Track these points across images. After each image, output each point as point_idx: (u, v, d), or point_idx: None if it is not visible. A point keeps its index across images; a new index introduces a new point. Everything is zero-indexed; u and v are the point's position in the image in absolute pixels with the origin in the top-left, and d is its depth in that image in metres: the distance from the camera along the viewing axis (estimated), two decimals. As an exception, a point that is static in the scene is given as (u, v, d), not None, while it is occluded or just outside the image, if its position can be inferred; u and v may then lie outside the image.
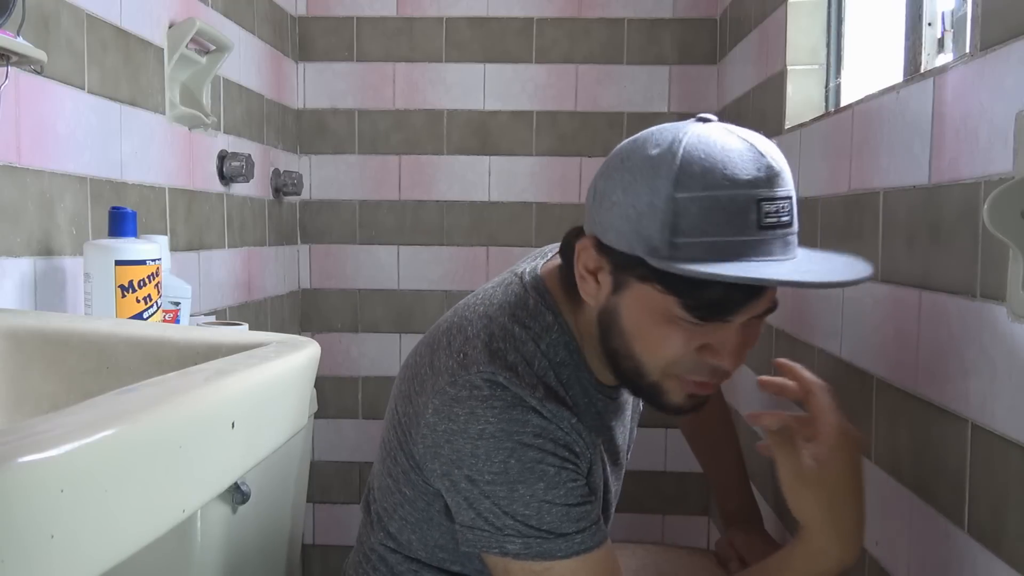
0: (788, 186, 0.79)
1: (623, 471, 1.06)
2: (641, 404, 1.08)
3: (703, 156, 0.77)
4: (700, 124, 0.81)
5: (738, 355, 0.82)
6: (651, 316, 0.81)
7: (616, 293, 0.84)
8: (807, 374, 0.86)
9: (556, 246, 0.97)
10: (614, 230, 0.81)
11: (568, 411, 0.88)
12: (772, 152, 0.79)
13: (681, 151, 0.77)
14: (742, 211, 0.75)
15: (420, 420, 0.90)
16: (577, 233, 0.89)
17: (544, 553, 0.84)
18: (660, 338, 0.81)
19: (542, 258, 0.99)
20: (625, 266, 0.81)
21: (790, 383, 0.88)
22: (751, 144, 0.78)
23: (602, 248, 0.83)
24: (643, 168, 0.79)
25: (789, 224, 0.79)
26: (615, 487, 1.03)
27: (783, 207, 0.78)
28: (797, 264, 0.79)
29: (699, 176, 0.76)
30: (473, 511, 0.86)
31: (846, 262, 0.82)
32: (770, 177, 0.77)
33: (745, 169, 0.76)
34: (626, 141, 0.85)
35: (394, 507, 0.97)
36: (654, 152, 0.79)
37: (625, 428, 1.03)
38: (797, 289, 1.28)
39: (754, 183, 0.76)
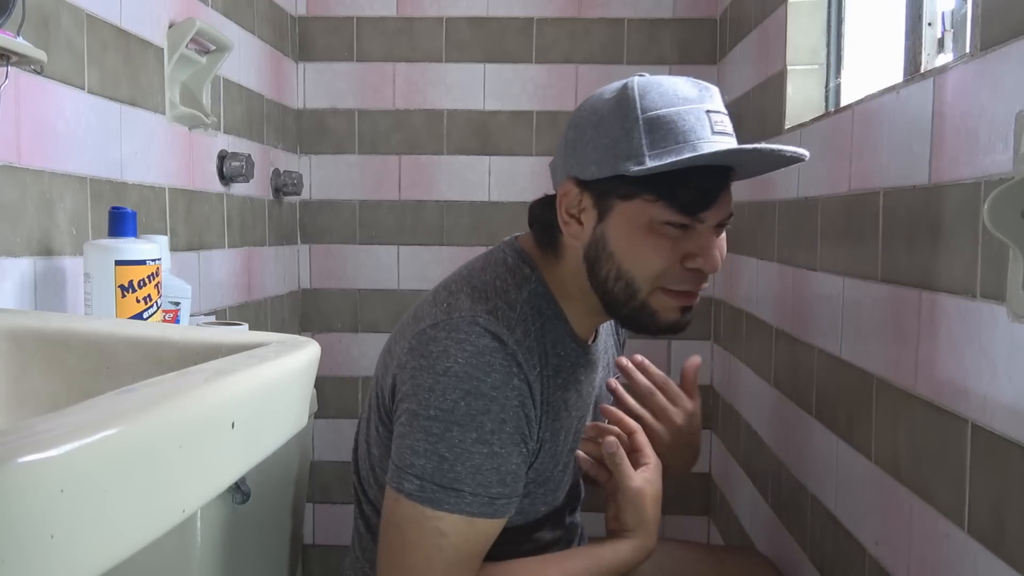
0: (722, 103, 0.93)
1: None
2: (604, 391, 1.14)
3: (654, 86, 0.91)
4: (637, 76, 0.94)
5: (716, 257, 0.92)
6: (638, 230, 0.91)
7: (602, 221, 0.93)
8: (628, 420, 1.06)
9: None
10: (593, 163, 0.92)
11: (538, 364, 0.94)
12: (700, 80, 0.94)
13: (635, 87, 0.91)
14: (699, 120, 0.89)
15: (395, 362, 0.95)
16: (540, 203, 1.00)
17: (433, 501, 0.88)
18: (649, 249, 0.91)
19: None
20: (608, 191, 0.92)
21: (616, 430, 1.06)
22: (684, 77, 0.94)
23: (582, 184, 0.93)
24: (607, 107, 0.92)
25: (732, 134, 0.92)
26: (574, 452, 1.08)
27: (725, 119, 0.92)
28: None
29: (657, 98, 0.90)
30: (395, 445, 0.91)
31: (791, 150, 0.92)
32: (710, 94, 0.92)
33: (689, 90, 0.91)
34: (575, 109, 0.97)
35: (376, 479, 1.00)
36: (610, 96, 0.93)
37: (593, 388, 1.07)
38: (796, 288, 1.29)
39: (700, 99, 0.91)
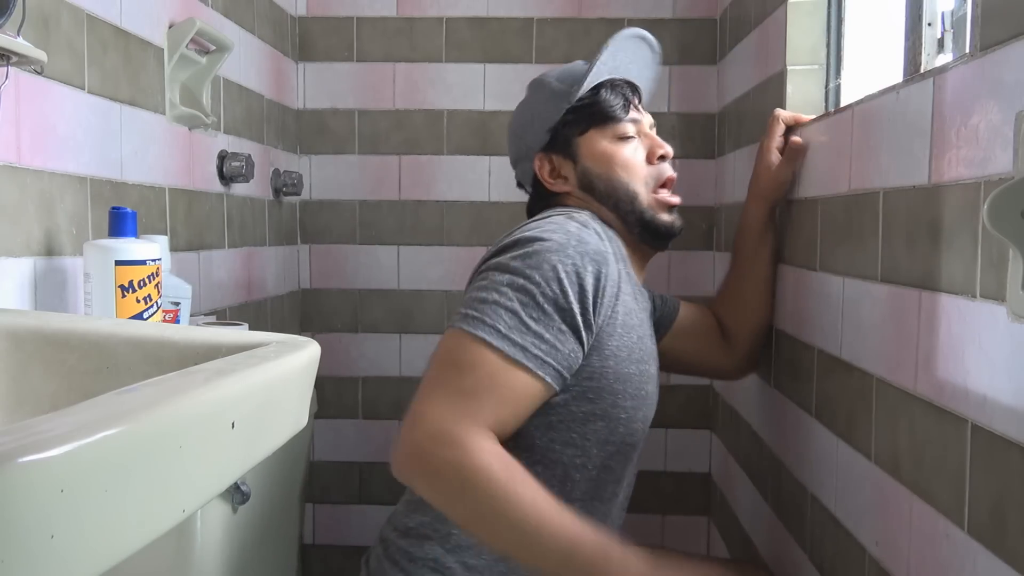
0: None
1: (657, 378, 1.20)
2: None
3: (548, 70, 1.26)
4: None
5: (667, 145, 1.21)
6: (606, 150, 1.17)
7: (577, 161, 1.19)
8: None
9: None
10: (540, 126, 1.19)
11: (620, 266, 1.09)
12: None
13: (535, 78, 1.27)
14: (586, 64, 1.22)
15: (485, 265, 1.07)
16: (530, 201, 1.25)
17: (479, 337, 0.95)
18: (621, 155, 1.17)
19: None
20: (566, 138, 1.19)
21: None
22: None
23: (547, 150, 1.20)
24: (525, 100, 1.26)
25: None
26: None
27: None
28: None
29: (554, 69, 1.25)
30: (466, 299, 1.01)
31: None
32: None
33: (575, 61, 1.27)
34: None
35: None
36: (524, 97, 1.27)
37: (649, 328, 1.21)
38: (796, 288, 1.29)
39: (584, 61, 1.24)
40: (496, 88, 2.06)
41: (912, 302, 0.89)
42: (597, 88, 1.19)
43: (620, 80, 1.20)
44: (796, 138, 1.23)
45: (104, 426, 0.41)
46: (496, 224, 2.07)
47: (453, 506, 0.94)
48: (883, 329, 0.97)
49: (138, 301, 0.97)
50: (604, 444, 1.07)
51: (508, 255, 1.01)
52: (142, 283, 0.98)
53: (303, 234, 2.11)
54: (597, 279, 1.01)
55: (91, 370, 0.75)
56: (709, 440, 2.07)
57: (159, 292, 1.00)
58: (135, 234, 1.00)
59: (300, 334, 0.84)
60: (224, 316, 1.61)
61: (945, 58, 0.99)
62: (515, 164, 1.26)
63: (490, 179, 2.08)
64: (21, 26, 0.92)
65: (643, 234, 1.18)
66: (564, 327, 0.98)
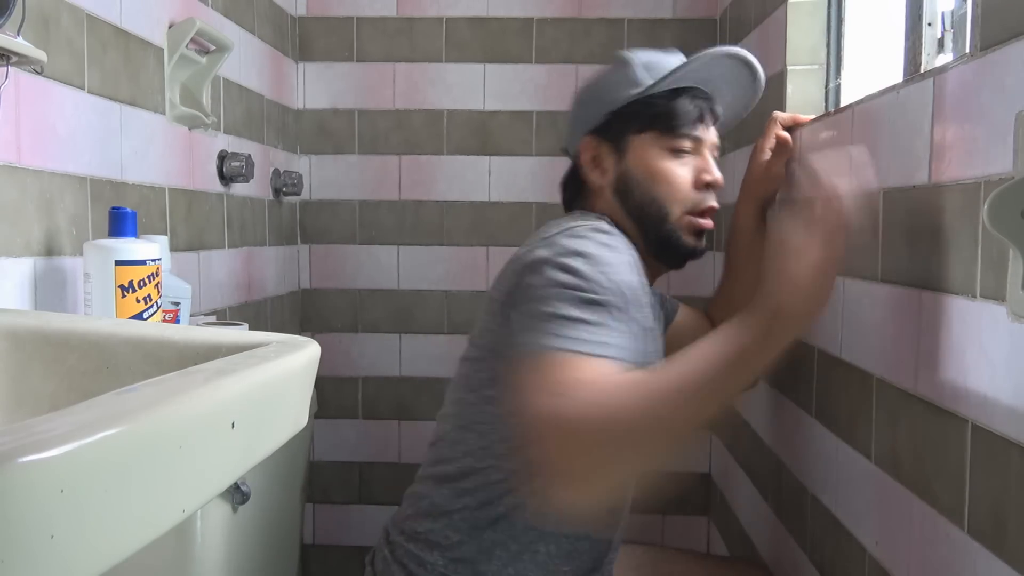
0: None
1: None
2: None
3: (640, 49, 1.16)
4: None
5: (719, 173, 1.13)
6: (656, 157, 1.11)
7: (622, 159, 1.13)
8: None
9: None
10: (604, 108, 1.13)
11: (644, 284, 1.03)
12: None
13: (626, 52, 1.15)
14: (678, 60, 1.14)
15: (512, 272, 1.01)
16: (567, 181, 1.19)
17: (571, 347, 0.88)
18: (669, 171, 1.11)
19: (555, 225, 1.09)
20: (622, 131, 1.12)
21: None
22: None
23: (598, 135, 1.14)
24: (604, 72, 1.17)
25: None
26: None
27: None
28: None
29: (645, 52, 1.15)
30: (525, 320, 0.94)
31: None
32: (679, 55, 1.16)
33: (664, 51, 1.17)
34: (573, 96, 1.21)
35: (464, 434, 1.06)
36: (605, 68, 1.17)
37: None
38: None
39: (674, 53, 1.16)
40: (496, 88, 2.06)
41: (912, 302, 0.89)
42: (677, 91, 1.12)
43: (704, 93, 1.14)
44: (782, 132, 1.24)
45: (104, 426, 0.41)
46: (496, 224, 2.07)
47: (636, 436, 0.83)
48: (883, 329, 0.97)
49: (138, 301, 0.97)
50: None
51: (557, 273, 0.95)
52: (142, 283, 0.98)
53: (303, 234, 2.11)
54: (635, 292, 0.99)
55: (91, 370, 0.75)
56: (709, 440, 2.07)
57: (159, 292, 1.00)
58: (135, 234, 1.00)
59: (300, 334, 0.84)
60: (224, 316, 1.61)
61: (945, 58, 0.99)
62: (569, 131, 1.20)
63: (490, 179, 2.08)
64: (21, 26, 0.92)
65: (660, 252, 1.14)
66: (633, 327, 0.95)
